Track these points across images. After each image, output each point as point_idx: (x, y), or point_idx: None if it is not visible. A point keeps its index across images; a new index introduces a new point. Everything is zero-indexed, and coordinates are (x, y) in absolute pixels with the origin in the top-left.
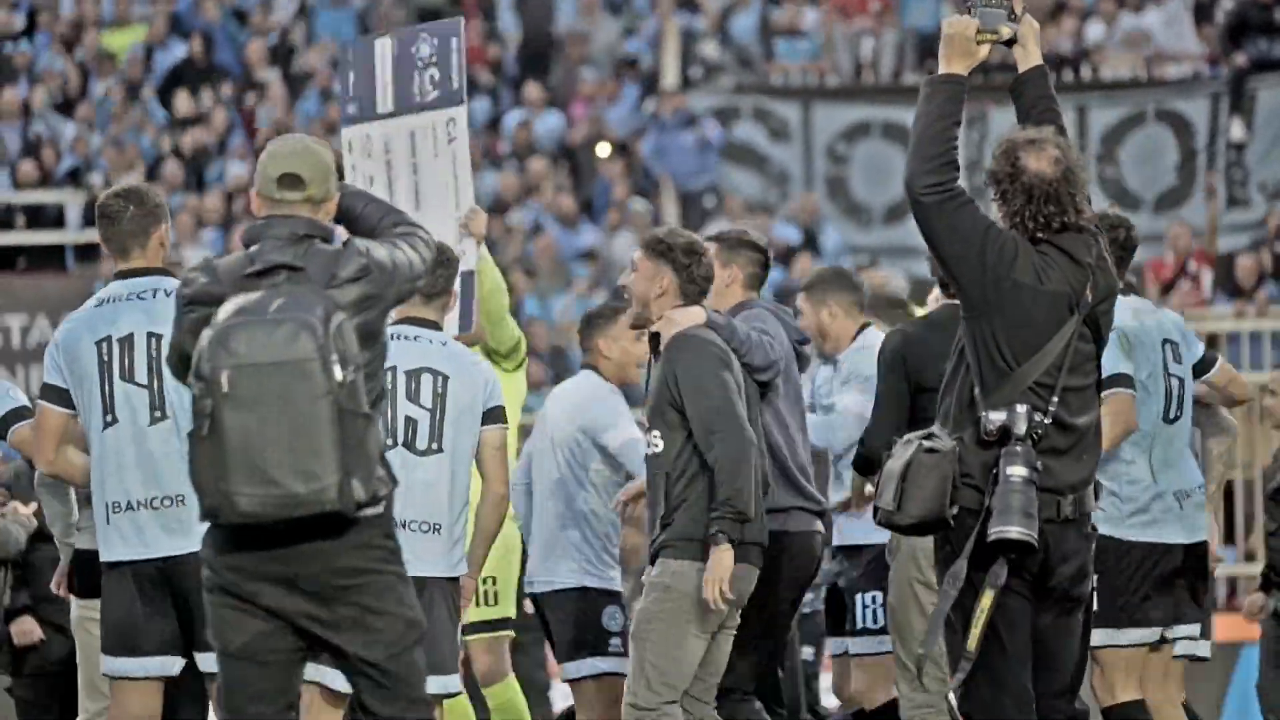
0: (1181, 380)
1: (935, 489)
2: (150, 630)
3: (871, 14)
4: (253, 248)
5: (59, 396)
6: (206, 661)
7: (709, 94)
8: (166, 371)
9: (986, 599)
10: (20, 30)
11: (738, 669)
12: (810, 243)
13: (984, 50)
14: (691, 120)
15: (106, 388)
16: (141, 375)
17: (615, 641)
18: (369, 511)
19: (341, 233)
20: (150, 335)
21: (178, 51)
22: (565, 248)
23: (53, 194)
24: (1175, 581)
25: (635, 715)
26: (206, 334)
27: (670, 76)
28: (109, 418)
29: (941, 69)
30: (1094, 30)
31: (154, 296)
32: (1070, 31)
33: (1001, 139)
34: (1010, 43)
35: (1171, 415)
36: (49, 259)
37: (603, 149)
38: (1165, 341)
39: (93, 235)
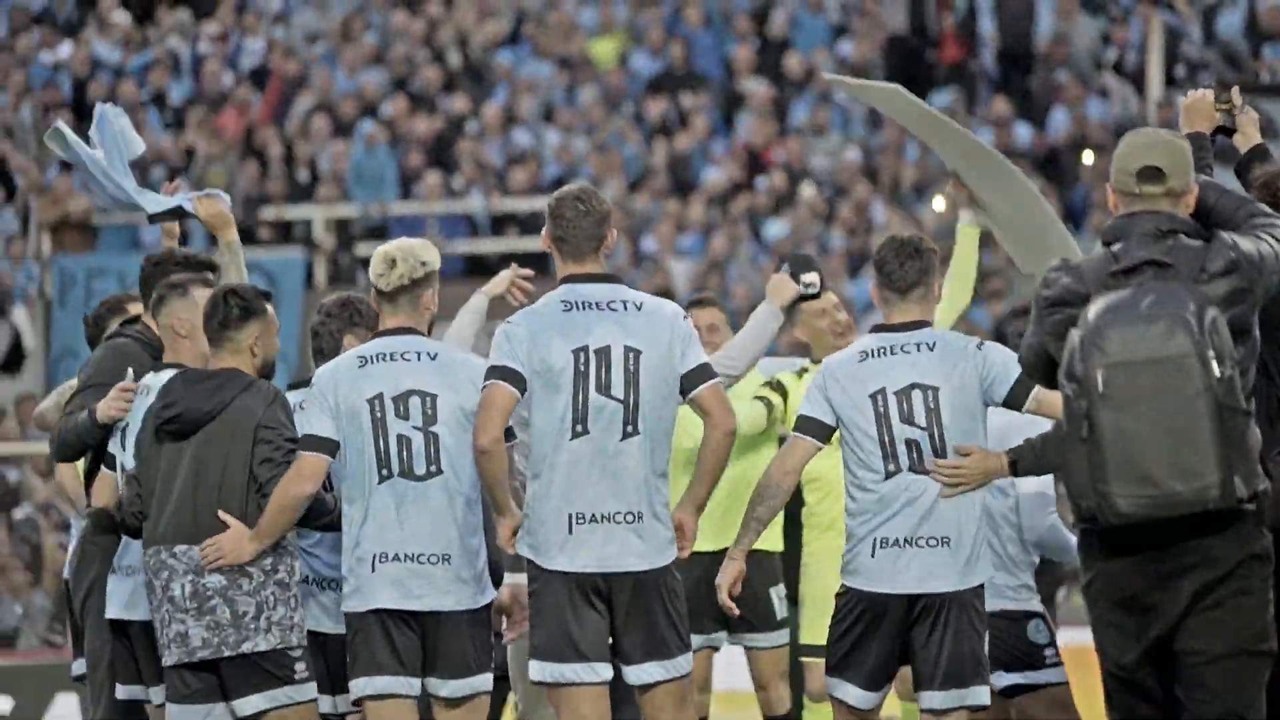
0: None
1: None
2: (588, 635)
3: None
4: (1115, 245)
5: (515, 379)
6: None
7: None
8: (643, 387)
9: None
10: (506, 38)
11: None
12: None
13: (1219, 115)
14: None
15: (580, 398)
16: (618, 389)
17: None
18: (1248, 507)
19: None
20: (628, 349)
21: (657, 59)
22: None
23: (539, 201)
24: None
25: None
26: (1075, 333)
27: (1155, 77)
28: (579, 428)
29: (1184, 130)
30: None
31: (625, 309)
32: None
33: (1260, 174)
34: (1230, 132)
35: None
36: (534, 266)
37: (1087, 156)
38: None
39: None
